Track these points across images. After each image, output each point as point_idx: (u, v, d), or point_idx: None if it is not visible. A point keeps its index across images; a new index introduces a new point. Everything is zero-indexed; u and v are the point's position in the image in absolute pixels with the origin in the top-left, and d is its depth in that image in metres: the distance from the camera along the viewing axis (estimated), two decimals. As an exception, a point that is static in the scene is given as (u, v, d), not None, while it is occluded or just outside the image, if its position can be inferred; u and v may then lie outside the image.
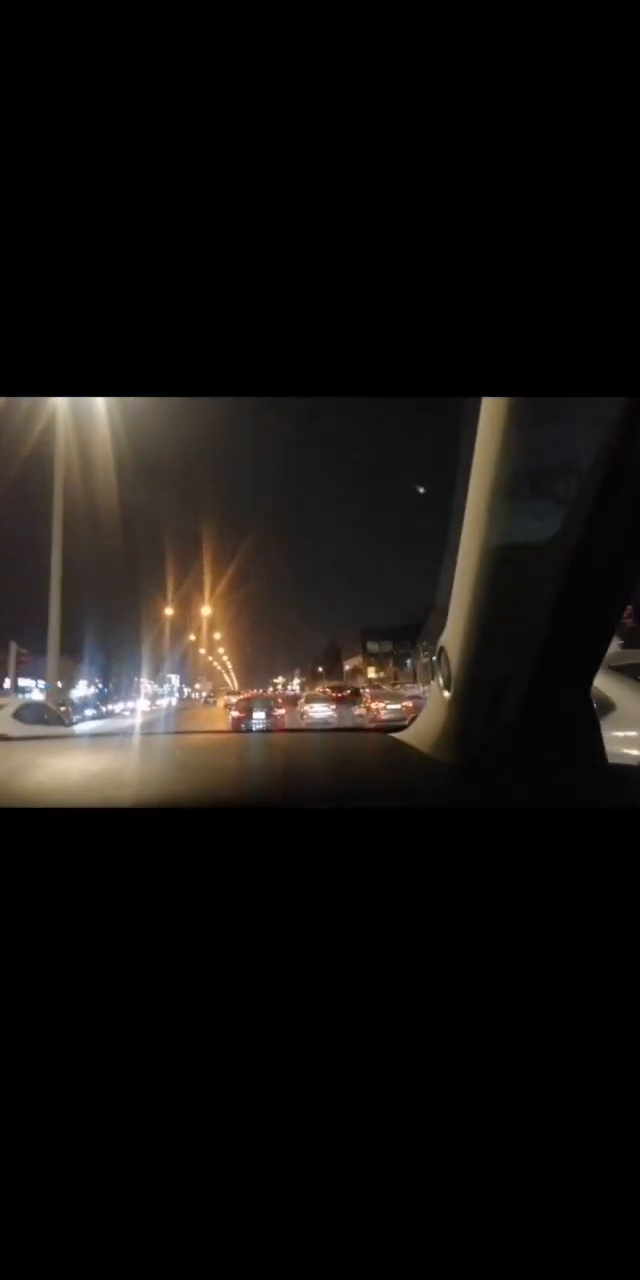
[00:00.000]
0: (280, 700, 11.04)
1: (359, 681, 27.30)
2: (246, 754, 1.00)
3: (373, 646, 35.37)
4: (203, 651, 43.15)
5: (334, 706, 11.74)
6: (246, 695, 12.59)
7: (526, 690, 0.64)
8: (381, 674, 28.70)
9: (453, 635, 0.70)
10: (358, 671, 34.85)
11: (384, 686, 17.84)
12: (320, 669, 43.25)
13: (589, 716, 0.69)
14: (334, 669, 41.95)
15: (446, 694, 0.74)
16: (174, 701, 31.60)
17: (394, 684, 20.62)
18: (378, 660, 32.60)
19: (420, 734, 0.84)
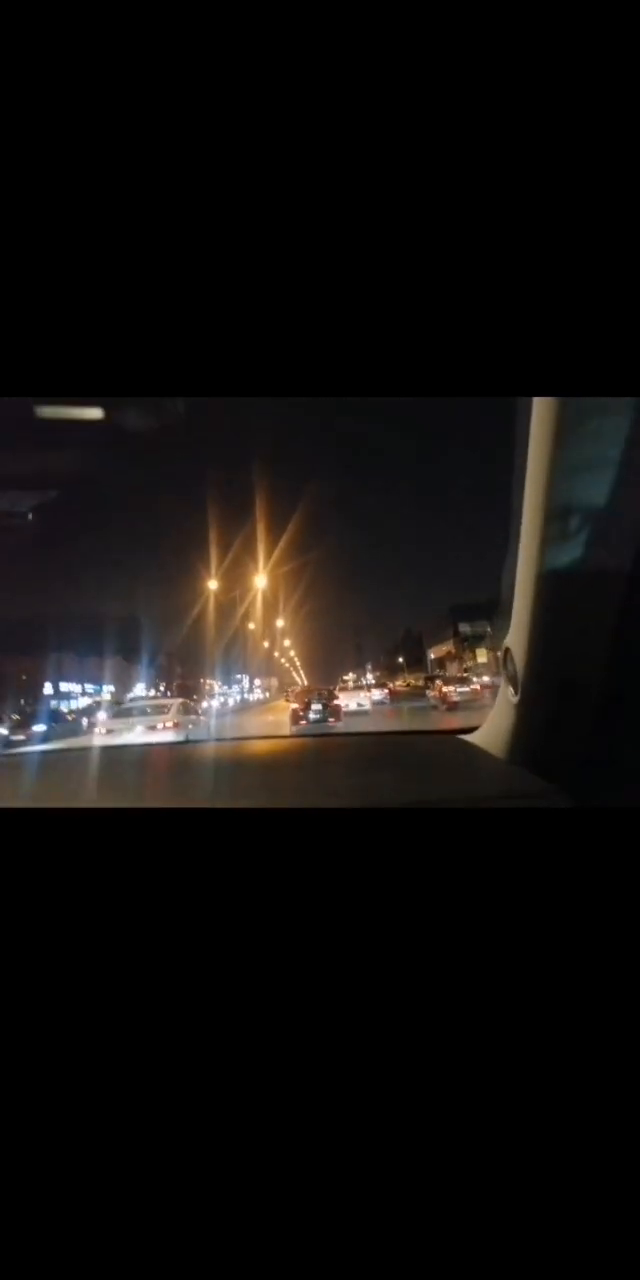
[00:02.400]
0: (337, 692, 11.95)
1: (452, 670, 21.94)
2: (301, 755, 1.04)
3: (465, 628, 29.09)
4: (266, 645, 39.47)
5: (385, 692, 15.21)
6: (305, 689, 13.70)
7: (597, 692, 0.62)
8: (487, 659, 22.67)
9: (517, 636, 0.69)
10: (450, 658, 28.83)
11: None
12: (400, 659, 37.56)
13: None
14: (416, 660, 36.36)
15: (513, 696, 0.72)
16: (229, 702, 27.66)
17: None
18: (474, 644, 26.34)
19: (490, 737, 0.84)
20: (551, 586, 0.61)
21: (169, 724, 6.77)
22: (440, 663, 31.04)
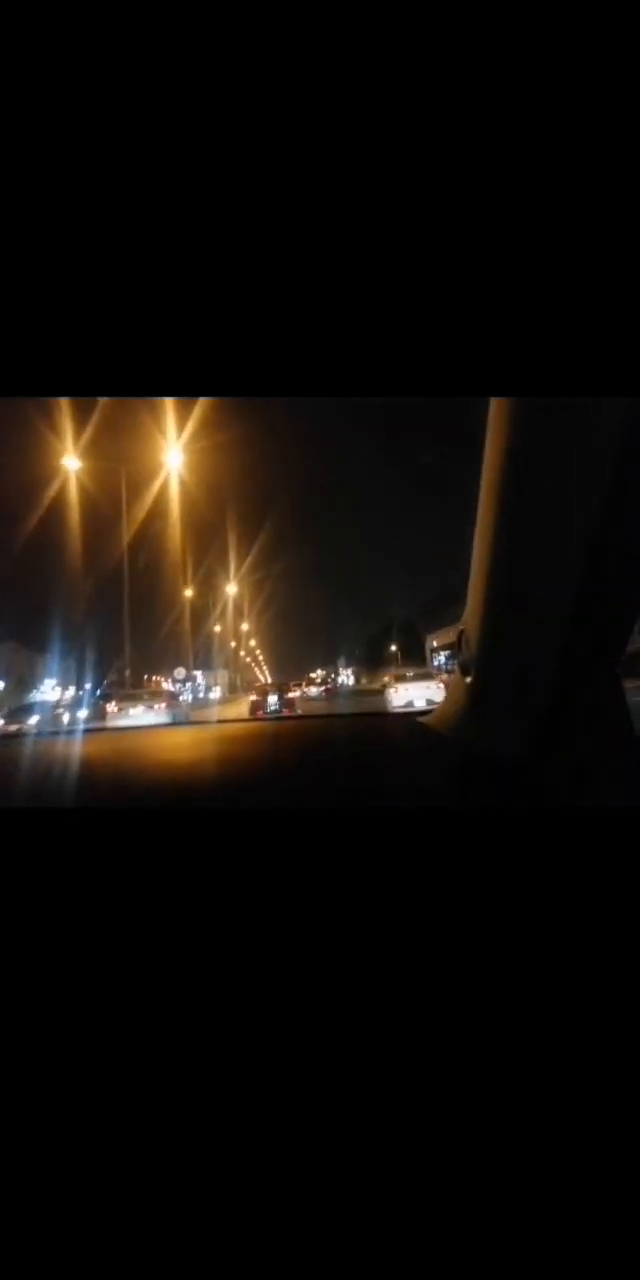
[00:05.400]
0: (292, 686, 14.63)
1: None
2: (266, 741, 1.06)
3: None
4: (217, 629, 31.60)
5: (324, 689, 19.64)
6: (263, 685, 16.25)
7: (549, 676, 0.62)
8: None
9: (471, 618, 0.70)
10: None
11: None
12: (394, 648, 30.10)
13: (619, 703, 0.65)
14: (409, 651, 29.01)
15: (466, 679, 0.74)
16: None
17: None
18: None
19: (442, 718, 0.87)
20: (504, 570, 0.61)
21: (162, 706, 11.36)
22: (447, 652, 23.62)
